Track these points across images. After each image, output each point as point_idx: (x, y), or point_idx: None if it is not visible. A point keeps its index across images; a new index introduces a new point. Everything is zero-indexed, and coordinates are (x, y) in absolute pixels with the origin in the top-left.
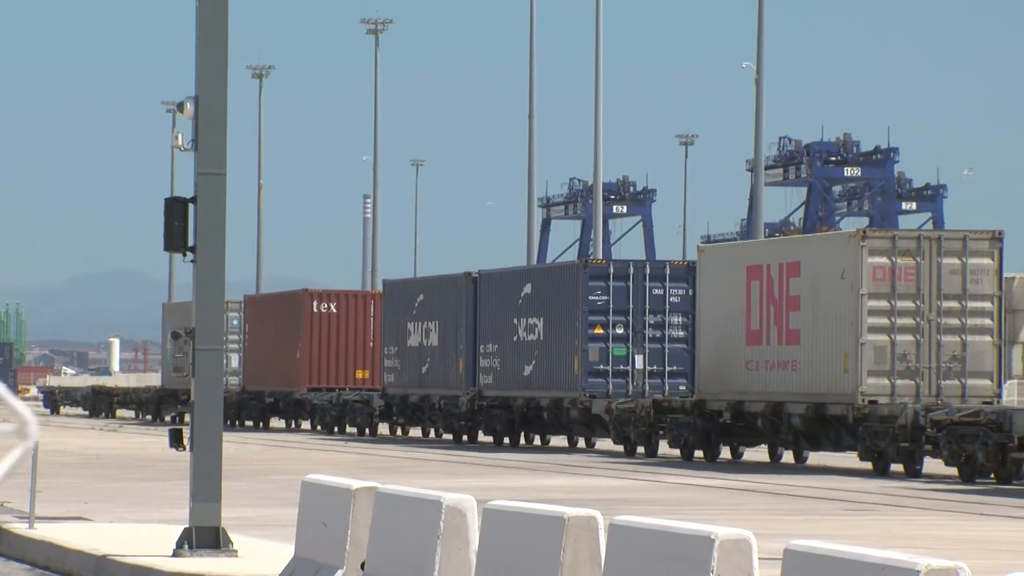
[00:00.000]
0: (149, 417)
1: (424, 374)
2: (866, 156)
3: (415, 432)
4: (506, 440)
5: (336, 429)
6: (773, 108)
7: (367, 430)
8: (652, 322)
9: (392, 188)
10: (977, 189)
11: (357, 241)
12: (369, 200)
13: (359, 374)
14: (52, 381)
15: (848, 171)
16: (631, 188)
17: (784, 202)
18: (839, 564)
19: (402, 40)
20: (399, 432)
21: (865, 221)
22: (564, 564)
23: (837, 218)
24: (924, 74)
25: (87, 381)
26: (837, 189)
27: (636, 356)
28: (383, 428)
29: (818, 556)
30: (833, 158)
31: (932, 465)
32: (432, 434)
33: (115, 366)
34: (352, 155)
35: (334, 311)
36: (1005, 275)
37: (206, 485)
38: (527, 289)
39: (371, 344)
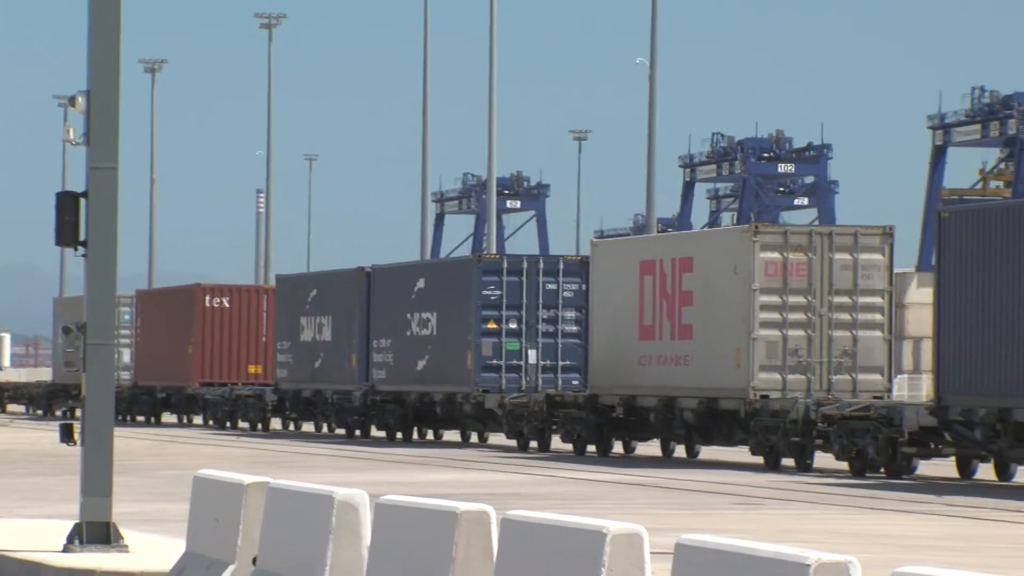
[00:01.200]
0: (40, 412)
1: (317, 369)
2: (799, 152)
3: (308, 427)
4: (399, 435)
5: (228, 424)
6: (707, 105)
7: (259, 425)
8: (545, 317)
9: (285, 183)
10: (870, 185)
11: (250, 236)
12: (262, 194)
13: (251, 369)
14: None
15: (782, 167)
16: (525, 183)
17: (736, 199)
18: (730, 558)
19: (295, 35)
20: (292, 427)
21: (809, 215)
22: (456, 559)
23: (786, 214)
24: (851, 72)
25: None
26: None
27: (529, 351)
28: (276, 423)
29: (709, 550)
30: (766, 154)
31: (823, 460)
32: (325, 429)
33: (5, 361)
34: (245, 149)
35: (226, 306)
36: (895, 270)
37: (97, 480)
38: (420, 284)
39: (264, 339)
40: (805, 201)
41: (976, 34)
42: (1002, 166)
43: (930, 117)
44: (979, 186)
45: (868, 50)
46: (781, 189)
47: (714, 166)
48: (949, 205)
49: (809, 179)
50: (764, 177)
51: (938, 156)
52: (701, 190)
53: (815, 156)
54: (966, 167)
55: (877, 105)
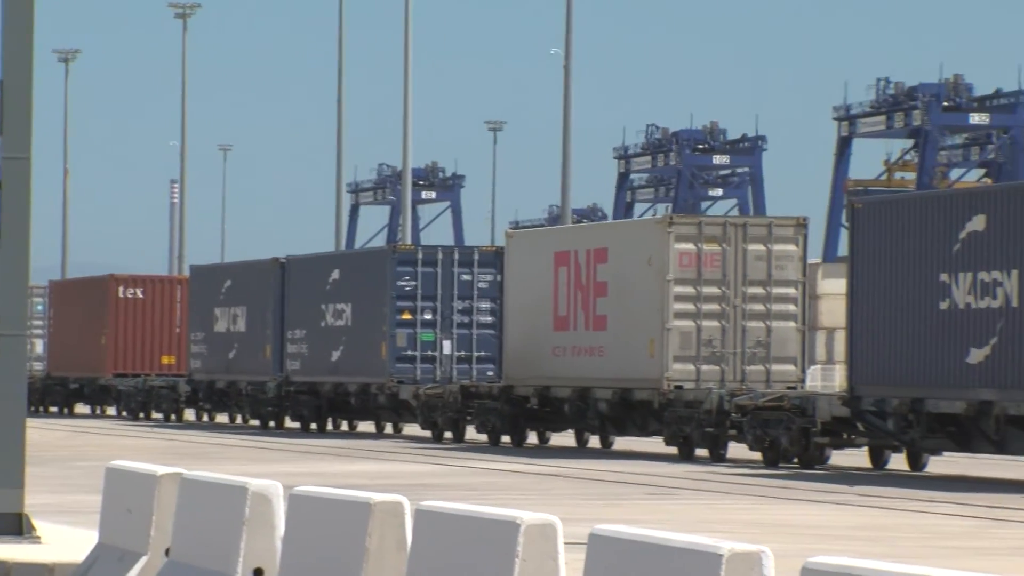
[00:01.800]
0: None
1: (231, 360)
2: (733, 144)
3: (222, 418)
4: (313, 426)
5: (142, 415)
6: (641, 95)
7: (173, 416)
8: (460, 308)
9: (200, 173)
10: (784, 175)
11: (164, 226)
12: (176, 185)
13: (165, 360)
14: None
15: (717, 159)
16: (440, 174)
17: (653, 190)
18: (643, 548)
19: (210, 24)
20: (205, 418)
21: (725, 206)
22: (370, 549)
23: (705, 205)
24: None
25: None
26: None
27: (444, 341)
28: (189, 414)
29: (623, 540)
30: (701, 146)
31: (736, 450)
32: (239, 420)
33: None
34: (159, 140)
35: (140, 296)
36: (809, 261)
37: (9, 471)
38: (335, 275)
39: (177, 330)
40: (720, 192)
41: (881, 25)
42: (908, 157)
43: (835, 108)
44: (884, 177)
45: (777, 40)
46: (701, 181)
47: (649, 157)
48: (862, 196)
49: (725, 172)
50: (699, 168)
51: (843, 147)
52: (637, 182)
53: (749, 148)
54: (872, 158)
55: (789, 95)
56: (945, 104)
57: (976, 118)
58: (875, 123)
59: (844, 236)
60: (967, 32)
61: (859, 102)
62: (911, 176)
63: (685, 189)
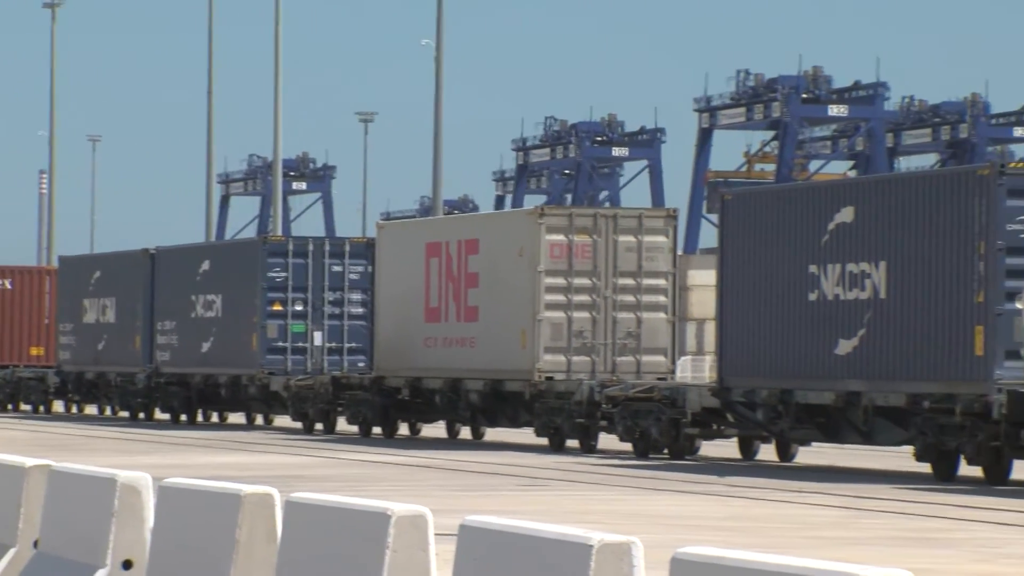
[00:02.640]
0: None
1: (100, 351)
2: (631, 136)
3: (91, 410)
4: (183, 417)
5: (10, 406)
6: (540, 86)
7: (42, 407)
8: (331, 299)
9: (69, 164)
10: (683, 168)
11: (33, 217)
12: (45, 175)
13: (33, 351)
14: None
15: (616, 151)
16: (311, 165)
17: (555, 180)
18: (514, 539)
19: (79, 14)
20: (75, 409)
21: (639, 199)
22: (240, 541)
23: (601, 197)
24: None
25: None
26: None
27: (315, 333)
28: (58, 405)
29: (493, 532)
30: (599, 138)
31: (607, 441)
32: (108, 411)
33: None
34: (28, 130)
35: (8, 287)
36: (679, 253)
37: None
38: (205, 266)
39: (46, 321)
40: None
41: (741, 16)
42: (768, 149)
43: (696, 100)
44: (744, 169)
45: (638, 33)
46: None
47: (548, 150)
48: (724, 188)
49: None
50: (599, 161)
51: (705, 139)
52: (535, 172)
53: (648, 140)
54: (735, 150)
55: (687, 87)
56: (804, 96)
57: (835, 110)
58: (735, 115)
59: (705, 227)
60: (826, 23)
61: (719, 94)
62: (771, 168)
63: (585, 181)
